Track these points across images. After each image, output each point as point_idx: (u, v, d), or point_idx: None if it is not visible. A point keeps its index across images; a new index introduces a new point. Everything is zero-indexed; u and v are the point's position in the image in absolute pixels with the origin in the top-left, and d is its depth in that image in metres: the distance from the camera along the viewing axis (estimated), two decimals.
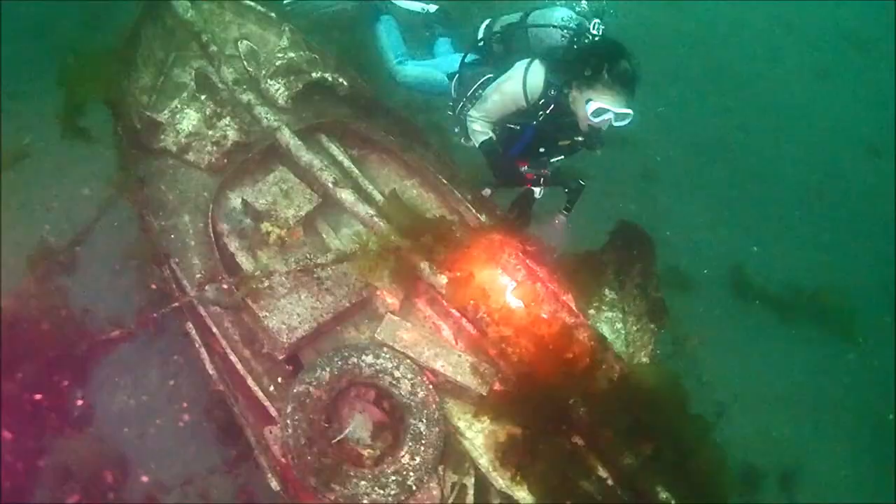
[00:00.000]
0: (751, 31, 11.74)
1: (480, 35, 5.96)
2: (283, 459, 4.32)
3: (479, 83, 5.56)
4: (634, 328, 5.21)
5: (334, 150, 5.84)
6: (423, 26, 6.69)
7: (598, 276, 5.34)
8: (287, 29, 6.25)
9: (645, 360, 5.04)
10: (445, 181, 5.77)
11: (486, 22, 5.95)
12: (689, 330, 6.66)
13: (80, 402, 5.17)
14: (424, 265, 4.89)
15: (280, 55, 5.95)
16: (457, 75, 5.95)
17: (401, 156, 5.94)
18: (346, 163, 5.75)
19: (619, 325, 5.24)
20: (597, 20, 5.05)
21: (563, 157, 5.57)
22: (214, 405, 5.24)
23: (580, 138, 5.18)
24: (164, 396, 5.37)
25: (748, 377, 7.02)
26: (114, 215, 6.41)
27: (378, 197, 5.49)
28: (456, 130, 5.66)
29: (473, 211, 5.65)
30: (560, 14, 5.30)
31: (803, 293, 8.13)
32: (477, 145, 5.51)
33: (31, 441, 4.88)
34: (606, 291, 5.34)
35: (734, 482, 4.76)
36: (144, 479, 4.99)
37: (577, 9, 5.39)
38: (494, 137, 5.43)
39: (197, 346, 4.51)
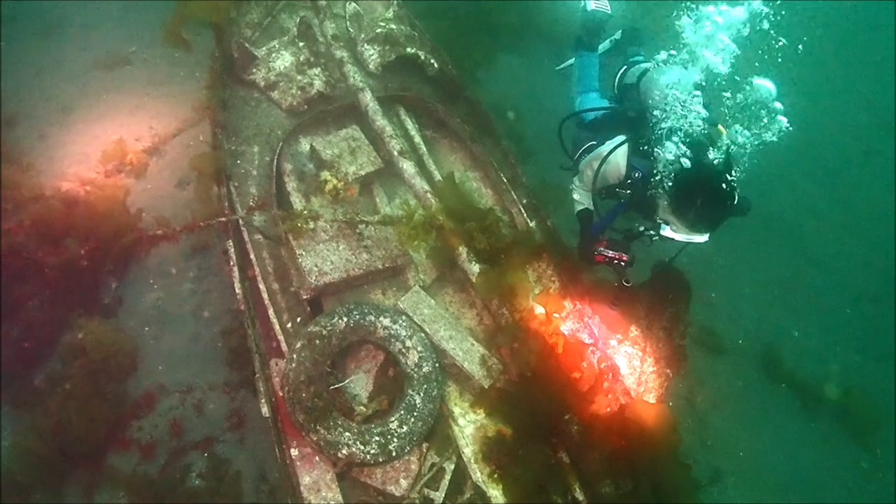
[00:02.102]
0: (849, 124, 11.50)
1: (616, 84, 5.82)
2: (279, 392, 4.47)
3: (583, 148, 5.43)
4: (650, 369, 5.19)
5: (409, 124, 6.02)
6: (619, 55, 6.35)
7: (629, 310, 5.32)
8: (395, 2, 6.45)
9: (651, 401, 5.02)
10: (506, 180, 5.88)
11: (623, 69, 5.82)
12: (706, 390, 6.60)
13: (112, 291, 5.45)
14: (462, 250, 4.99)
15: (382, 24, 6.15)
16: (563, 136, 5.70)
17: (470, 146, 6.06)
18: (417, 138, 5.91)
19: (635, 362, 5.22)
20: (697, 92, 4.66)
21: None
22: (233, 329, 5.42)
23: (646, 228, 4.83)
24: (190, 308, 5.59)
25: (754, 454, 6.88)
26: (191, 135, 6.72)
27: (437, 177, 5.63)
28: (571, 187, 5.51)
29: (525, 215, 5.75)
30: (666, 81, 4.89)
31: (833, 389, 7.95)
32: (575, 213, 5.36)
33: (60, 313, 5.14)
34: (633, 327, 5.32)
35: None
36: (149, 376, 5.21)
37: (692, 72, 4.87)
38: (591, 208, 5.22)
39: (231, 263, 4.69)
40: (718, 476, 6.43)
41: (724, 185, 4.18)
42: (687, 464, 4.59)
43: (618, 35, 6.49)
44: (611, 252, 4.96)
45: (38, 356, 5.07)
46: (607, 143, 4.98)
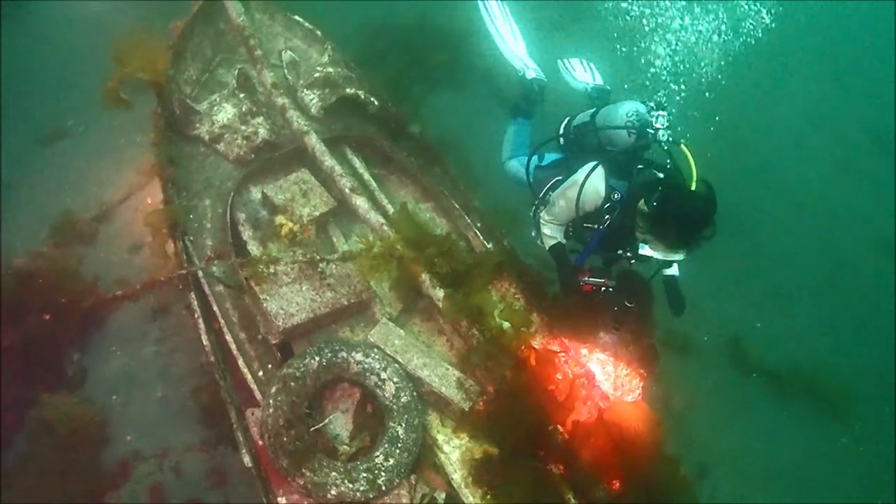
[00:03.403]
0: (780, 122, 11.96)
1: (561, 132, 5.72)
2: (259, 441, 4.38)
3: (548, 185, 5.38)
4: (623, 372, 5.25)
5: (357, 163, 6.07)
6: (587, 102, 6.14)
7: (595, 317, 5.38)
8: (330, 47, 6.55)
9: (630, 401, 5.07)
10: (458, 207, 5.95)
11: (566, 120, 5.73)
12: (680, 390, 6.68)
13: (75, 363, 5.32)
14: (425, 276, 5.01)
15: (319, 69, 6.22)
16: (530, 178, 5.69)
17: (420, 179, 6.13)
18: (366, 175, 5.97)
19: (609, 367, 5.27)
20: (661, 112, 4.74)
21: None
22: (202, 387, 5.33)
23: (623, 251, 4.86)
24: (156, 371, 5.49)
25: (736, 446, 6.99)
26: (139, 199, 6.68)
27: (391, 210, 5.68)
28: (533, 234, 5.39)
29: (481, 237, 5.82)
30: (625, 110, 4.99)
31: (802, 373, 8.13)
32: (546, 249, 5.26)
33: (23, 391, 4.99)
34: (601, 333, 5.38)
35: None
36: (121, 444, 5.07)
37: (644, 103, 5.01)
38: (564, 242, 5.21)
39: (196, 316, 4.62)
40: (705, 472, 6.50)
41: (704, 206, 4.22)
42: (674, 459, 4.62)
43: (589, 86, 6.36)
44: (598, 279, 4.93)
45: (5, 437, 4.90)
46: (579, 171, 4.91)
